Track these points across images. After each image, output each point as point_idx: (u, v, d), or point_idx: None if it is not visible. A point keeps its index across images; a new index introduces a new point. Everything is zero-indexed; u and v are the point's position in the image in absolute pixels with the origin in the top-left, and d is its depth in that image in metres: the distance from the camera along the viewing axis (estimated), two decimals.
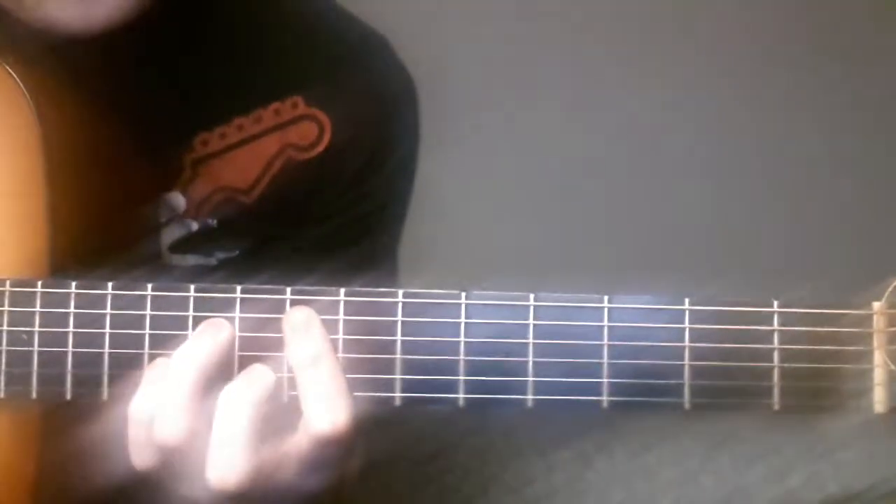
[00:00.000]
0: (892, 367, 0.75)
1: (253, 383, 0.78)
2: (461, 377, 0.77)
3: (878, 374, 0.75)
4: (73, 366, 0.81)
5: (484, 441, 1.52)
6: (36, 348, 0.81)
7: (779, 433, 1.48)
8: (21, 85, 0.85)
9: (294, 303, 0.79)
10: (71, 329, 0.81)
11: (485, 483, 1.49)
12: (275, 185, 1.04)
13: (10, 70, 0.86)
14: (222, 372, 0.79)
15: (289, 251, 1.05)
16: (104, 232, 0.89)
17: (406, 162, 1.11)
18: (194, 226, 1.04)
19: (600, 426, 1.51)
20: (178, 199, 1.03)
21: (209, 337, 0.79)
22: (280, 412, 0.79)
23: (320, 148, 1.05)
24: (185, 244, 1.04)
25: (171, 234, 1.03)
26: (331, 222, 1.07)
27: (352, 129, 1.05)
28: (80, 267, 0.83)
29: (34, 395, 0.82)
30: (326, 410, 0.78)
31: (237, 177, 1.03)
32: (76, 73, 0.89)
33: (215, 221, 1.04)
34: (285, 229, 1.06)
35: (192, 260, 1.04)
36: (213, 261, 1.04)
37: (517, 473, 1.50)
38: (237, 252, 1.05)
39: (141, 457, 0.80)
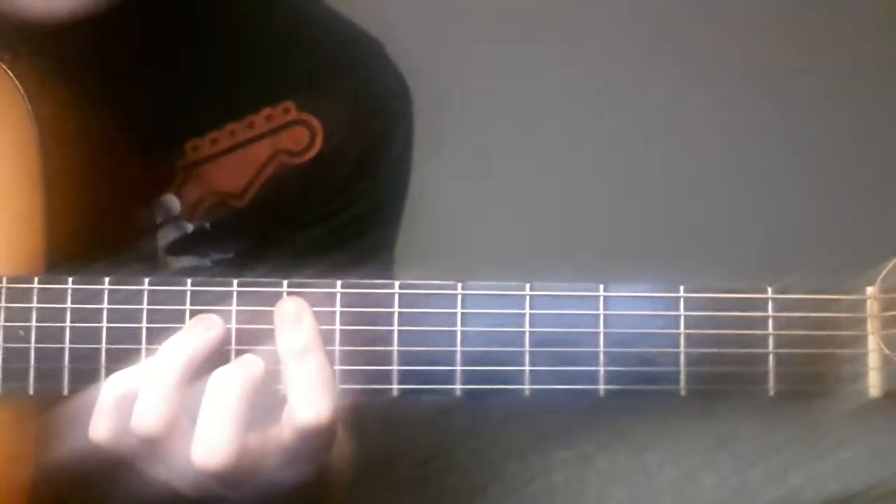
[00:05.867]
0: (887, 351, 0.75)
1: (244, 368, 0.79)
2: (458, 367, 0.78)
3: (873, 359, 0.76)
4: (70, 361, 0.81)
5: (484, 441, 1.51)
6: (33, 344, 0.81)
7: (779, 433, 1.48)
8: (16, 83, 0.86)
9: (290, 295, 0.79)
10: (68, 324, 0.81)
11: (485, 483, 1.49)
12: (266, 190, 1.04)
13: (5, 68, 0.86)
14: (212, 366, 0.79)
15: (283, 252, 1.05)
16: (100, 231, 0.89)
17: (400, 164, 1.11)
18: (189, 228, 1.04)
19: (601, 426, 1.51)
20: (173, 202, 1.03)
21: (201, 330, 0.80)
22: (268, 403, 0.79)
23: (312, 153, 1.04)
24: (181, 246, 1.04)
25: (166, 236, 1.04)
26: (324, 224, 1.07)
27: (344, 134, 1.05)
28: (77, 266, 0.83)
29: (31, 391, 0.82)
30: (311, 401, 0.78)
31: (228, 182, 1.04)
32: (70, 75, 0.89)
33: (209, 224, 1.04)
34: (279, 232, 1.06)
35: (187, 261, 1.04)
36: (207, 262, 1.05)
37: (517, 473, 1.50)
38: (231, 254, 1.05)
39: (119, 442, 0.80)
